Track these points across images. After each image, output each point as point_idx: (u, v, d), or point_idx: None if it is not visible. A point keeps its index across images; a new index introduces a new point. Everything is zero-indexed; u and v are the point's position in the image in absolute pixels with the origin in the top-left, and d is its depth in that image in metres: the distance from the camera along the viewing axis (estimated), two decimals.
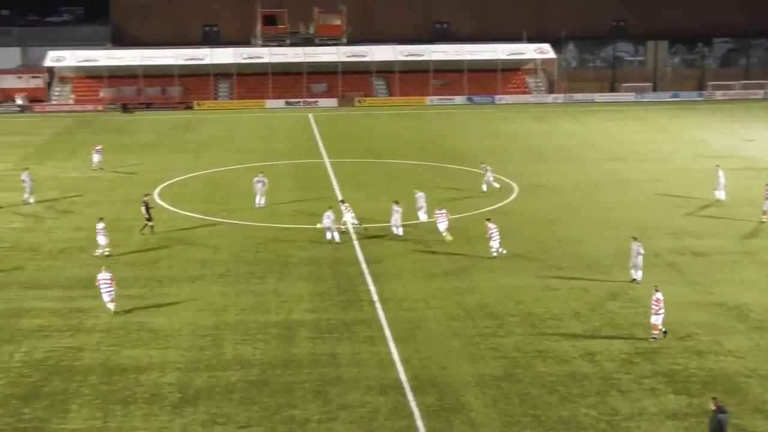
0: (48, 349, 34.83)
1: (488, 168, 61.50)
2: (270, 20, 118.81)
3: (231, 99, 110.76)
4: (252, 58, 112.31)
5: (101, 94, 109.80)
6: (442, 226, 48.90)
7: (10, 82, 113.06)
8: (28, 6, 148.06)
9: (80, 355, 34.20)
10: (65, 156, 76.08)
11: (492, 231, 45.67)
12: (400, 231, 49.17)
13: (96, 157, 68.75)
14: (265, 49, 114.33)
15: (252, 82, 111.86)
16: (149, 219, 49.88)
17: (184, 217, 54.57)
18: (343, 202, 51.59)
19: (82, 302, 39.71)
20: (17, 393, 31.14)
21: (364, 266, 44.44)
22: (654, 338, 34.84)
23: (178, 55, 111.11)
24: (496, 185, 60.84)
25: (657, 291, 35.06)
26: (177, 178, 65.70)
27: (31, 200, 58.29)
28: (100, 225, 46.94)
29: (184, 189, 62.46)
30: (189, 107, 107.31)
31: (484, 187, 60.42)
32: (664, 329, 35.03)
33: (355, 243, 48.32)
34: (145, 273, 43.81)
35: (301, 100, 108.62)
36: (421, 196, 53.27)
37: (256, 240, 49.23)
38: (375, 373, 32.37)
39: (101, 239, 46.75)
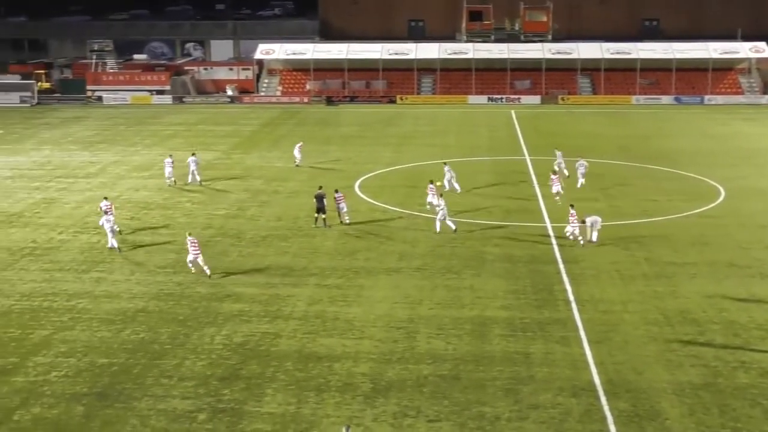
0: (247, 333, 35.98)
1: (560, 153, 64.01)
2: (475, 16, 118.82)
3: (434, 94, 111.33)
4: (456, 53, 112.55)
5: (307, 87, 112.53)
6: (555, 188, 55.55)
7: (222, 73, 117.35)
8: (241, 1, 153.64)
9: (277, 341, 35.16)
10: (270, 146, 78.33)
11: (572, 218, 47.33)
12: (594, 237, 48.09)
13: (297, 154, 69.85)
14: (470, 45, 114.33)
15: (455, 77, 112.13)
16: (321, 210, 50.93)
17: (382, 210, 55.27)
18: (431, 182, 54.23)
19: (281, 289, 40.82)
20: (217, 374, 32.31)
21: (561, 266, 43.86)
22: None
23: (383, 49, 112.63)
24: (566, 172, 61.61)
25: None
26: (377, 171, 66.60)
27: (198, 178, 62.55)
28: (339, 194, 51.79)
29: (383, 182, 63.26)
30: (392, 101, 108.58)
31: (566, 172, 61.76)
32: None
33: (553, 242, 47.77)
34: (343, 263, 44.64)
35: (503, 96, 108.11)
36: (582, 164, 59.36)
37: (452, 235, 49.32)
38: (568, 374, 31.92)
39: (342, 205, 51.41)
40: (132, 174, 67.15)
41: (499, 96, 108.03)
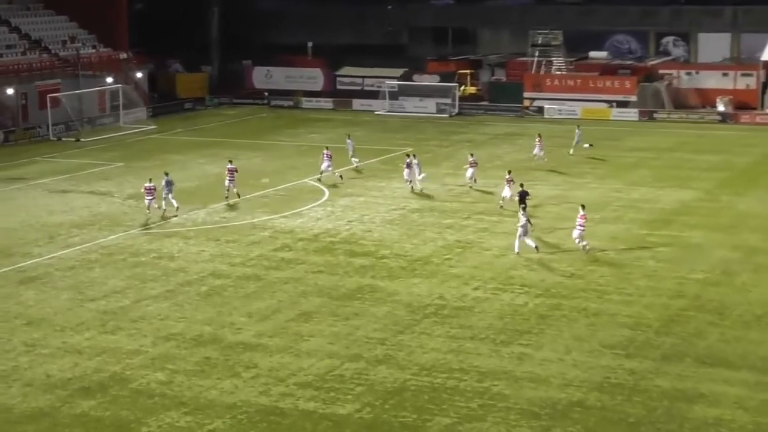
0: None
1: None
2: None
3: None
4: None
5: None
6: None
7: (712, 80, 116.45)
8: None
9: None
10: None
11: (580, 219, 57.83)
12: None
13: None
14: None
15: None
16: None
17: None
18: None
19: None
20: None
21: None
22: None
23: None
24: (585, 145, 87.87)
25: None
26: None
27: (354, 162, 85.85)
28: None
29: None
30: None
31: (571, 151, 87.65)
32: None
33: None
34: None
35: None
36: None
37: None
38: None
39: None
40: (571, 214, 67.76)
41: None
